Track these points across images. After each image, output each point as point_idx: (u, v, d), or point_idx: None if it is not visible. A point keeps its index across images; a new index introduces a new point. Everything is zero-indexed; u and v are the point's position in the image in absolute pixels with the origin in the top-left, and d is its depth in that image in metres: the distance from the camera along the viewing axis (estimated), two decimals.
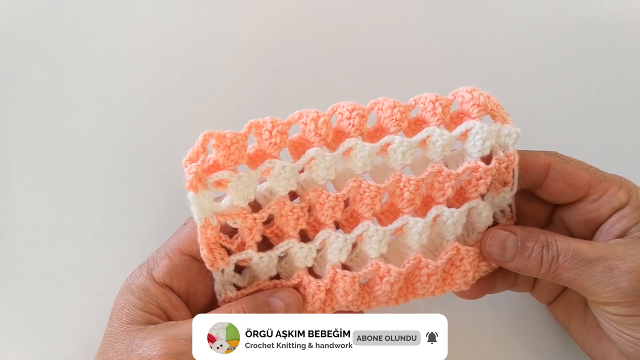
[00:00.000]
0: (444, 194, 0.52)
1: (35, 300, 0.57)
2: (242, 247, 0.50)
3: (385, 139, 0.51)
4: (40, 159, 0.61)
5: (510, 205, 0.53)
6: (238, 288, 0.51)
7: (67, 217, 0.61)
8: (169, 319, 0.49)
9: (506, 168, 0.51)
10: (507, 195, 0.52)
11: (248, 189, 0.49)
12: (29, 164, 0.61)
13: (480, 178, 0.51)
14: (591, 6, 0.66)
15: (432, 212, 0.52)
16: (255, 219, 0.49)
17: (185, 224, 0.52)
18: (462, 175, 0.52)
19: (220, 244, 0.49)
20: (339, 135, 0.52)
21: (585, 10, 0.66)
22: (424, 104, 0.52)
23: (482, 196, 0.53)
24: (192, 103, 0.64)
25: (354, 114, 0.50)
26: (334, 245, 0.51)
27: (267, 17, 0.66)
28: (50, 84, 0.63)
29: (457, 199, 0.53)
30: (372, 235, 0.51)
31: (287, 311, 0.49)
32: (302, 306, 0.51)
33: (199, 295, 0.51)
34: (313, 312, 0.51)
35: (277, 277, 0.52)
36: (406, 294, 0.53)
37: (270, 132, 0.49)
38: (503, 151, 0.51)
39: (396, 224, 0.52)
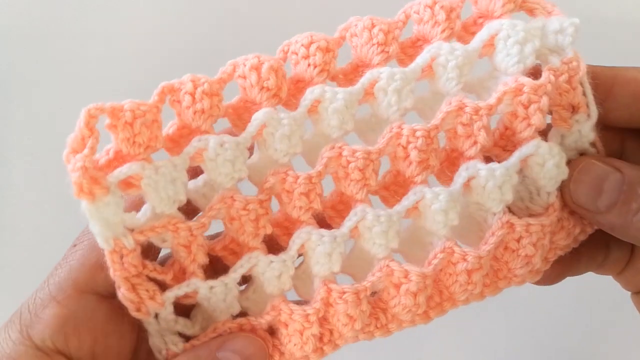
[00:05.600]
0: (475, 142, 0.35)
1: None
2: (181, 275, 0.34)
3: (368, 76, 0.35)
4: (40, 159, 0.61)
5: (593, 143, 0.36)
6: (187, 338, 0.35)
7: (67, 217, 0.61)
8: None
9: (569, 81, 0.35)
10: (584, 127, 0.35)
11: (173, 186, 0.33)
12: (29, 164, 0.61)
13: (530, 102, 0.34)
14: (591, 6, 0.65)
15: (462, 173, 0.35)
16: (191, 229, 0.33)
17: (74, 245, 0.35)
18: (500, 106, 0.35)
19: (147, 275, 0.34)
20: (301, 87, 0.36)
21: (585, 10, 0.65)
22: (418, 14, 0.36)
23: (544, 134, 0.36)
24: None
25: (312, 48, 0.35)
26: (319, 250, 0.34)
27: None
28: (50, 84, 0.62)
29: (504, 146, 0.37)
30: (373, 225, 0.35)
31: None
32: (268, 357, 0.35)
33: (112, 357, 0.34)
34: (307, 357, 0.35)
35: (244, 314, 0.36)
36: (440, 302, 0.36)
37: (193, 94, 0.34)
38: (558, 57, 0.35)
39: (406, 201, 0.35)
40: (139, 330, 0.35)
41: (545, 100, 0.34)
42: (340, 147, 0.35)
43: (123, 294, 0.33)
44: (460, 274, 0.35)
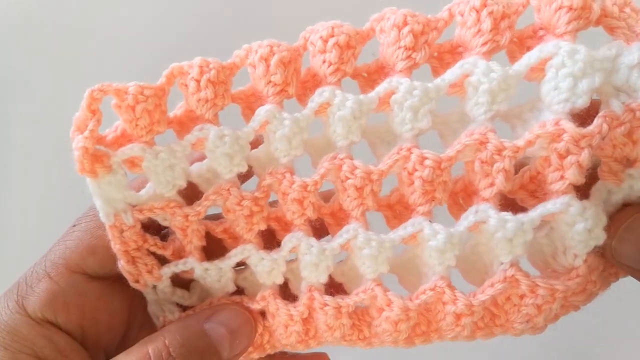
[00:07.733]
0: (491, 184, 0.30)
1: None
2: (182, 251, 0.35)
3: (385, 85, 0.31)
4: (40, 159, 0.60)
5: None
6: (184, 307, 0.36)
7: (67, 217, 0.61)
8: None
9: (629, 134, 0.28)
10: (638, 184, 0.29)
11: (172, 171, 0.33)
12: (29, 164, 0.60)
13: (568, 153, 0.28)
14: None
15: (469, 216, 0.31)
16: (187, 215, 0.33)
17: (74, 225, 0.36)
18: (531, 149, 0.29)
19: (148, 249, 0.34)
20: (317, 81, 0.33)
21: None
22: (462, 16, 0.30)
23: (580, 189, 0.30)
24: None
25: (330, 43, 0.31)
26: (307, 259, 0.33)
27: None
28: (50, 84, 0.61)
29: (533, 191, 0.32)
30: (363, 247, 0.32)
31: (232, 341, 0.33)
32: (254, 331, 0.35)
33: (102, 330, 0.35)
34: (289, 347, 0.35)
35: (241, 291, 0.36)
36: (427, 332, 0.34)
37: (198, 81, 0.32)
38: (623, 98, 0.28)
39: (402, 232, 0.32)
40: (130, 307, 0.36)
41: (586, 155, 0.28)
42: (341, 160, 0.32)
43: (122, 265, 0.34)
44: (448, 314, 0.32)
